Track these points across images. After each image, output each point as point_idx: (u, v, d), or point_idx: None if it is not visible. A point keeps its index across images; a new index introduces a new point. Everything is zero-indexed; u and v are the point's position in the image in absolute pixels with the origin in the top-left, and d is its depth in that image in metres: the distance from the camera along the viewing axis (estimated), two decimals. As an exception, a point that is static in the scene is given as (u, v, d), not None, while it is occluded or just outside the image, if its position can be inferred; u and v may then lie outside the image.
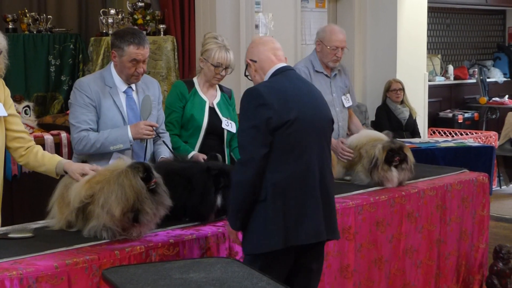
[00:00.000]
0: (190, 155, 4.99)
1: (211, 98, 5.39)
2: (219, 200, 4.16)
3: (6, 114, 4.13)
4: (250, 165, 3.69)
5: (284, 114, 3.73)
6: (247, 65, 4.10)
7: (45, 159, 4.22)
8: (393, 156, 5.17)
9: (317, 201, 3.83)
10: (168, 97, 5.42)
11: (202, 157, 4.83)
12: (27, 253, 3.53)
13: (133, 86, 4.90)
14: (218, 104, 5.38)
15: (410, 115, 9.07)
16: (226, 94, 5.51)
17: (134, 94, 4.90)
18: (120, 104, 4.81)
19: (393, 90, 9.04)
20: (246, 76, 4.19)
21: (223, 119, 5.36)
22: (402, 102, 9.09)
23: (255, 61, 4.03)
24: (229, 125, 5.37)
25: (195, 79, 5.42)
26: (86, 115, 4.70)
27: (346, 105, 6.05)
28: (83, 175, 3.99)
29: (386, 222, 5.01)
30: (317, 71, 5.93)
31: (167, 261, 3.67)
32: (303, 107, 3.82)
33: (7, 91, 4.21)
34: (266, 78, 3.98)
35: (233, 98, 5.57)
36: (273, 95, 3.76)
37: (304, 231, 3.78)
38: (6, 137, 4.17)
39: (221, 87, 5.50)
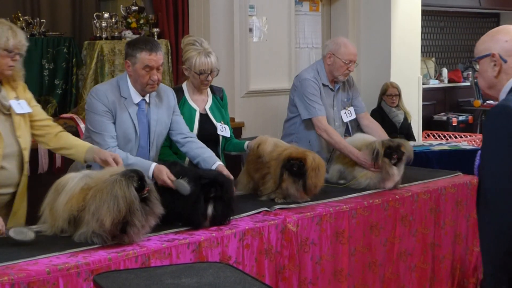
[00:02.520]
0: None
1: (202, 103, 5.37)
2: (209, 210, 4.14)
3: (31, 110, 4.26)
4: None
5: None
6: (484, 57, 3.43)
7: (76, 142, 4.40)
8: (391, 154, 5.19)
9: None
10: None
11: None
12: (19, 258, 3.51)
13: (147, 98, 4.86)
14: (210, 108, 5.37)
15: (405, 118, 9.06)
16: (217, 95, 5.49)
17: (146, 107, 4.87)
18: (134, 116, 4.79)
19: (389, 95, 9.01)
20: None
21: (217, 124, 5.35)
22: (397, 106, 9.08)
23: (505, 61, 3.32)
24: (224, 130, 5.37)
25: (184, 86, 5.39)
26: (109, 124, 4.69)
27: (345, 119, 6.05)
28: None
29: (380, 225, 5.01)
30: (323, 84, 5.91)
31: (160, 266, 3.66)
32: None
33: (29, 95, 4.33)
34: (507, 88, 3.29)
35: (225, 98, 5.56)
36: None
37: None
38: (33, 127, 4.31)
39: (211, 88, 5.47)
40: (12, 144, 4.17)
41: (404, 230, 5.18)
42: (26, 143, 4.23)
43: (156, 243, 3.83)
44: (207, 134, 5.30)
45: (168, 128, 4.99)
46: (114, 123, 4.75)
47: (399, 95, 9.06)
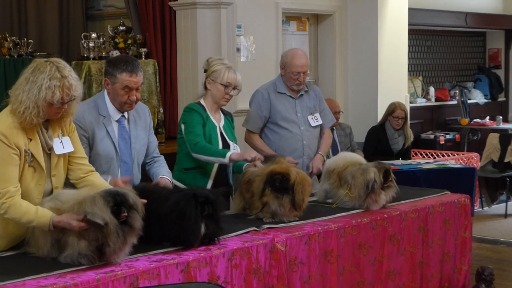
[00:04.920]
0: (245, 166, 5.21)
1: (218, 121, 5.50)
2: (202, 228, 4.12)
3: (72, 149, 4.21)
4: None
5: None
6: None
7: (100, 183, 4.28)
8: (387, 178, 5.19)
9: None
10: (187, 117, 5.43)
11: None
12: (7, 280, 3.49)
13: (126, 114, 4.91)
14: (223, 127, 5.51)
15: (403, 144, 8.96)
16: (228, 116, 5.65)
17: (126, 123, 4.90)
18: (113, 134, 4.83)
19: (395, 117, 8.89)
20: None
21: (230, 143, 5.51)
22: (400, 129, 8.94)
23: None
24: (236, 149, 5.50)
25: (202, 102, 5.48)
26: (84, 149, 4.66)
27: (313, 124, 6.25)
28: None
29: (369, 244, 5.00)
30: (279, 92, 6.17)
31: (148, 286, 3.65)
32: None
33: (73, 127, 4.27)
34: None
35: (233, 121, 5.75)
36: None
37: None
38: (68, 162, 4.25)
39: (221, 109, 5.60)
40: (46, 182, 4.15)
41: (392, 249, 5.17)
42: (58, 182, 4.19)
43: (144, 264, 3.82)
44: None
45: (146, 145, 5.04)
46: (91, 145, 4.78)
47: (406, 118, 8.97)
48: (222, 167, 5.49)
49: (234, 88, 5.47)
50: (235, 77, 5.45)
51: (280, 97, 6.17)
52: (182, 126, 5.42)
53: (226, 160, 5.23)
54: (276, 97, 6.15)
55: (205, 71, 5.56)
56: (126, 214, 3.72)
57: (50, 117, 4.04)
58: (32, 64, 3.99)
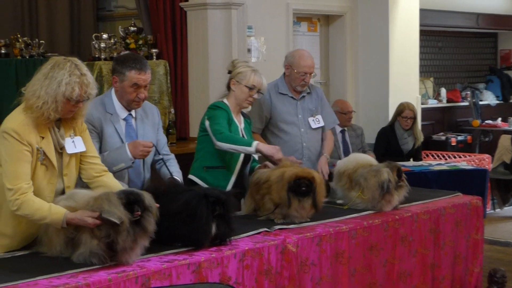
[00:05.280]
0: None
1: (239, 123, 5.51)
2: (213, 228, 4.12)
3: (84, 149, 4.21)
4: None
5: None
6: None
7: (113, 184, 4.27)
8: (400, 177, 5.18)
9: None
10: (213, 113, 5.39)
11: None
12: (19, 279, 3.50)
13: (133, 112, 4.92)
14: (244, 129, 5.47)
15: (413, 145, 8.94)
16: (247, 119, 5.65)
17: (133, 121, 4.91)
18: (121, 131, 4.85)
19: (404, 117, 8.86)
20: None
21: None
22: (410, 129, 8.90)
23: None
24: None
25: (225, 101, 5.47)
26: (95, 144, 4.66)
27: (314, 126, 6.21)
28: None
29: (380, 246, 4.99)
30: (281, 93, 6.16)
31: (160, 287, 3.65)
32: None
33: (85, 127, 4.28)
34: None
35: (251, 124, 5.73)
36: None
37: None
38: (80, 162, 4.25)
39: (241, 112, 5.60)
40: (58, 181, 4.15)
41: (404, 250, 5.16)
42: (70, 182, 4.19)
43: (156, 264, 3.82)
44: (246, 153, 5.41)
45: (155, 143, 5.02)
46: (100, 140, 4.80)
47: (415, 118, 8.95)
48: (244, 167, 5.47)
49: (258, 91, 5.46)
50: (261, 81, 5.44)
51: (281, 98, 6.15)
52: (206, 122, 5.35)
53: (252, 149, 5.18)
54: (278, 98, 6.14)
55: (229, 72, 5.54)
56: (139, 212, 3.72)
57: (64, 115, 4.05)
58: (50, 61, 4.01)
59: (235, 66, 5.50)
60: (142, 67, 4.78)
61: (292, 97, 6.17)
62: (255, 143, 5.19)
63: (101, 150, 4.76)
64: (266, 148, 5.26)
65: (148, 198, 3.82)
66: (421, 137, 8.99)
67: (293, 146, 6.11)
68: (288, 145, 6.08)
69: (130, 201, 3.74)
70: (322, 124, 6.26)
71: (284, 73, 6.24)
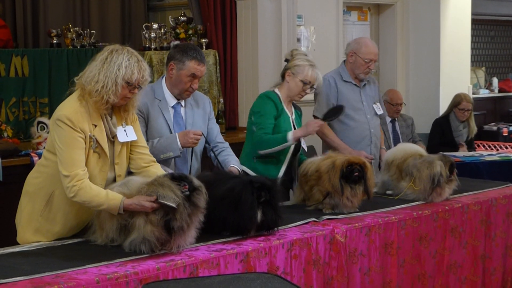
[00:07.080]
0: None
1: (290, 114, 5.47)
2: (259, 215, 4.12)
3: (136, 138, 4.25)
4: None
5: None
6: None
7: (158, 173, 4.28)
8: (452, 171, 5.14)
9: None
10: (260, 107, 5.37)
11: None
12: (69, 267, 3.54)
13: (182, 102, 4.94)
14: (294, 120, 5.44)
15: (467, 137, 8.82)
16: (298, 110, 5.61)
17: (182, 110, 4.94)
18: (168, 117, 4.88)
19: (461, 109, 8.71)
20: None
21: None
22: (465, 121, 8.78)
23: None
24: (304, 143, 5.48)
25: (277, 91, 5.45)
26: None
27: (378, 112, 6.24)
28: None
29: (430, 237, 4.95)
30: (345, 81, 6.12)
31: (208, 276, 3.66)
32: None
33: (135, 117, 4.32)
34: None
35: (302, 115, 5.67)
36: None
37: None
38: (130, 151, 4.29)
39: (293, 103, 5.56)
40: (110, 170, 4.20)
41: (454, 241, 5.12)
42: (121, 171, 4.23)
43: (204, 253, 3.84)
44: (296, 144, 5.38)
45: (206, 132, 5.02)
46: (146, 124, 4.83)
47: (471, 110, 8.83)
48: (294, 158, 5.45)
49: (311, 87, 5.41)
50: (317, 77, 5.38)
51: (345, 85, 6.11)
52: (252, 118, 5.39)
53: (290, 141, 5.19)
54: (343, 85, 6.10)
55: (286, 60, 5.51)
56: (187, 186, 3.74)
57: (120, 102, 4.07)
58: (106, 48, 4.06)
59: (293, 56, 5.44)
60: (201, 59, 4.83)
61: (355, 85, 6.14)
62: (289, 134, 5.19)
63: (147, 136, 4.79)
64: (302, 130, 5.27)
65: (197, 180, 3.84)
66: (475, 129, 8.87)
67: (361, 132, 6.10)
68: (356, 131, 6.08)
69: (177, 177, 3.78)
70: (382, 111, 6.29)
71: (344, 61, 6.21)
